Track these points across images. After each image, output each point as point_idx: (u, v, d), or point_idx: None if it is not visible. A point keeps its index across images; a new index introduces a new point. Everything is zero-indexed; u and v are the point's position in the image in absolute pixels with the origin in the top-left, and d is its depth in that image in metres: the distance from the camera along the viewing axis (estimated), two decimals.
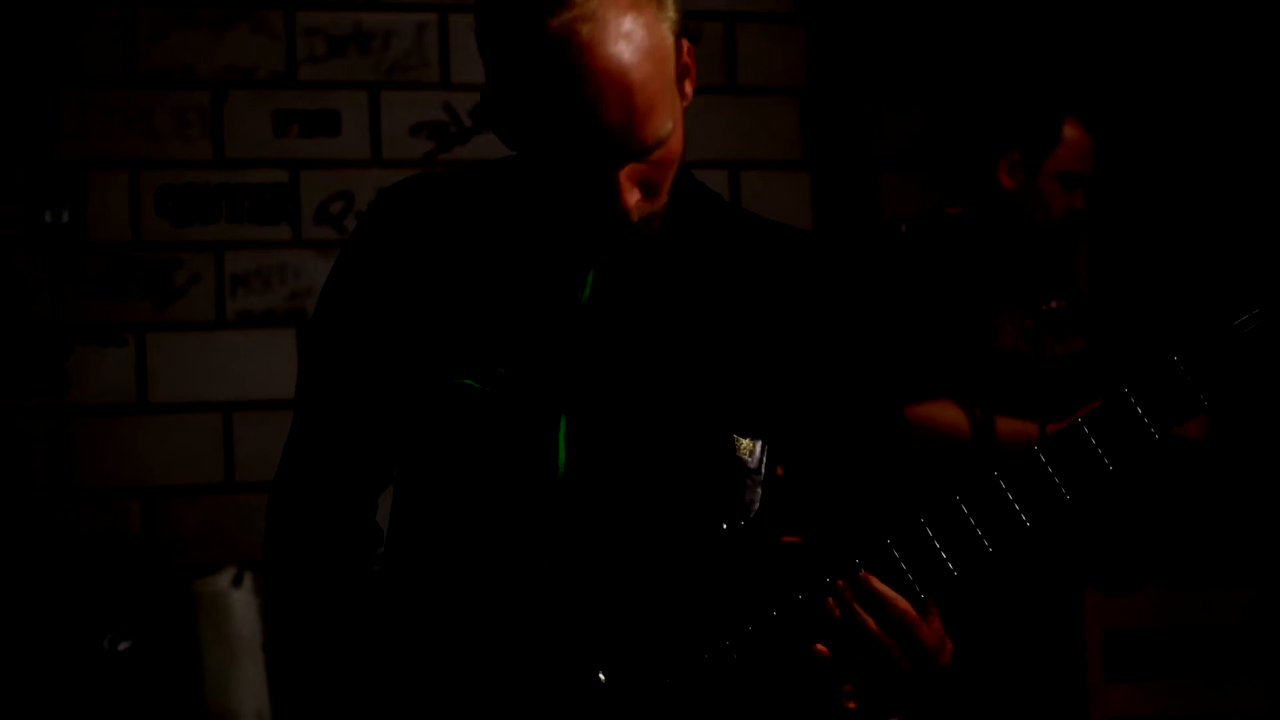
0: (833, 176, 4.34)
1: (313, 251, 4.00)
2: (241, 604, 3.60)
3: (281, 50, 4.02)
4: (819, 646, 1.67)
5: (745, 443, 1.74)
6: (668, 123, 1.62)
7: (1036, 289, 3.37)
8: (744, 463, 1.74)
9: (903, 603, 1.67)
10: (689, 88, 1.69)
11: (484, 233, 1.77)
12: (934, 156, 4.39)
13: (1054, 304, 3.38)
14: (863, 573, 1.67)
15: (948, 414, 3.19)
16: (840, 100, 4.35)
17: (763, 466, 1.75)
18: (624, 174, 1.63)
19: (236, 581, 3.63)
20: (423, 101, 4.10)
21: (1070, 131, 3.32)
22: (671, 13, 1.63)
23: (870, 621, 1.67)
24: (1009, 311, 3.29)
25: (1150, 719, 2.84)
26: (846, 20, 4.36)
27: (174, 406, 3.92)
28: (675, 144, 1.66)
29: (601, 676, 1.70)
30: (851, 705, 3.10)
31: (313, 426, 1.83)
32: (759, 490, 1.76)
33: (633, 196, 1.64)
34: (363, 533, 1.83)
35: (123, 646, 3.56)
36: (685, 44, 1.67)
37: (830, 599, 1.67)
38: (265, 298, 3.97)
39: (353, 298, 1.79)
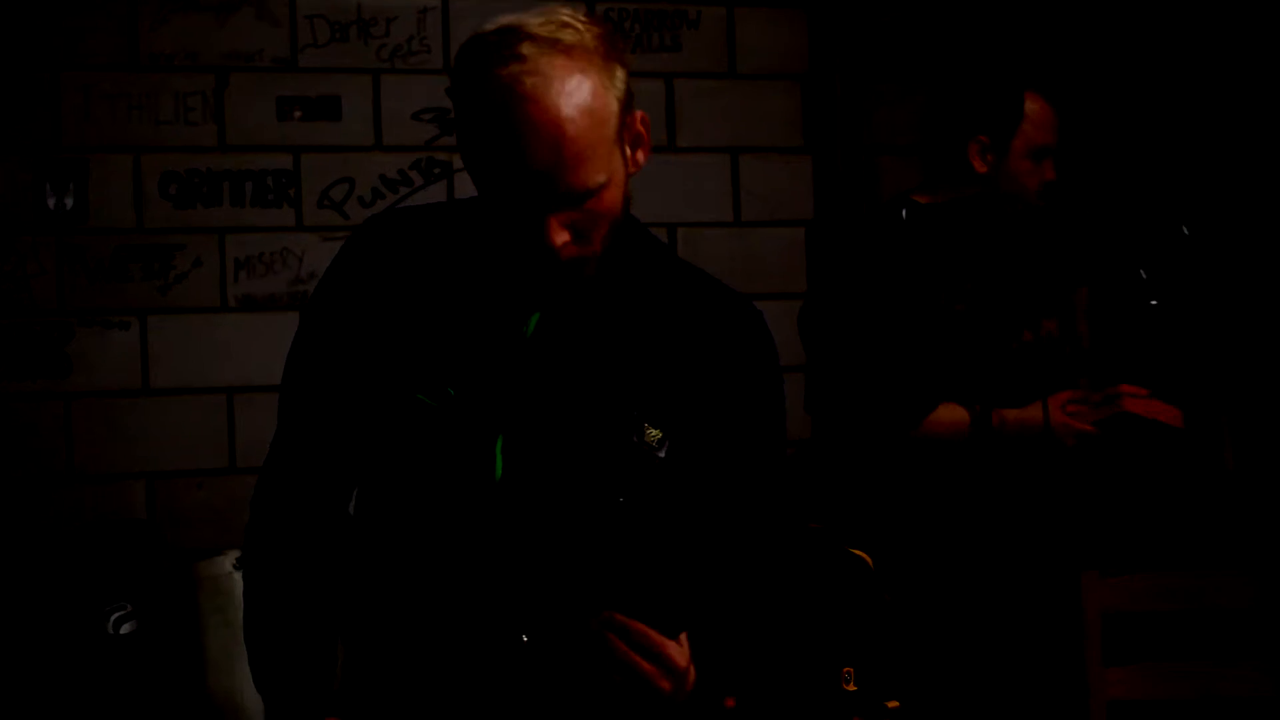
0: (834, 161, 4.34)
1: (315, 236, 4.01)
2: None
3: (284, 35, 4.03)
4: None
5: (652, 431, 1.94)
6: (600, 176, 1.80)
7: (1012, 271, 3.36)
8: (648, 446, 1.94)
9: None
10: (641, 156, 1.88)
11: (449, 268, 1.97)
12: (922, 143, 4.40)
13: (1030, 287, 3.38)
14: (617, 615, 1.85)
15: (953, 415, 3.21)
16: (841, 85, 4.35)
17: (662, 453, 1.95)
18: (555, 217, 1.81)
19: (239, 564, 3.64)
20: (425, 87, 4.10)
21: (1032, 106, 3.31)
22: (620, 84, 1.83)
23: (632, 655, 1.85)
24: (989, 296, 3.29)
25: (1149, 702, 2.84)
26: (848, 5, 4.36)
27: (176, 390, 3.93)
28: (610, 198, 1.84)
29: (524, 638, 1.91)
30: (851, 688, 3.11)
31: (292, 433, 2.03)
32: (657, 473, 1.95)
33: (560, 237, 1.82)
34: (335, 526, 2.03)
35: (125, 629, 3.57)
36: (639, 115, 1.87)
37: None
38: (267, 282, 3.98)
39: (332, 320, 2.00)
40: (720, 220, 4.27)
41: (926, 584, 3.27)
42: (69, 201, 3.88)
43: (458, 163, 4.11)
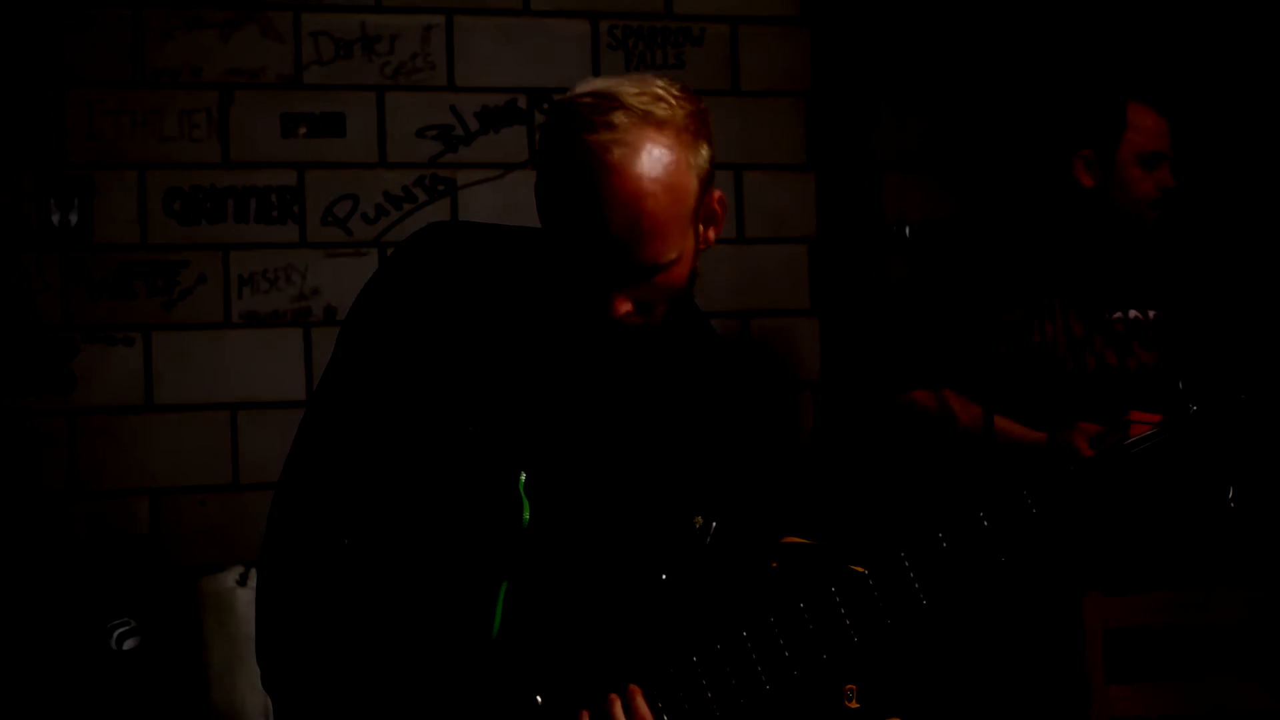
0: (837, 178, 4.35)
1: (319, 252, 4.01)
2: (246, 602, 3.61)
3: (288, 52, 4.03)
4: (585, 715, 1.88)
5: (699, 520, 1.95)
6: (673, 253, 1.81)
7: (1109, 296, 3.32)
8: (695, 534, 1.95)
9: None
10: (712, 234, 1.90)
11: (496, 302, 1.95)
12: (939, 158, 4.40)
13: (1133, 314, 3.34)
14: (632, 685, 1.88)
15: (933, 400, 3.21)
16: (845, 102, 4.36)
17: (709, 541, 1.96)
18: (621, 290, 1.82)
19: (242, 580, 3.64)
20: (429, 104, 4.11)
21: (1136, 114, 3.30)
22: (703, 162, 1.84)
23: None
24: (1059, 314, 3.27)
25: (1152, 719, 2.84)
26: (851, 22, 4.37)
27: (180, 406, 3.93)
28: (678, 274, 1.85)
29: (539, 699, 1.89)
30: (854, 705, 3.10)
31: (318, 455, 1.98)
32: (703, 560, 1.96)
33: (624, 308, 1.83)
34: (353, 552, 1.98)
35: (129, 645, 3.57)
36: (717, 194, 1.88)
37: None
38: (271, 298, 3.99)
39: (378, 344, 1.95)
40: (724, 237, 4.26)
41: (930, 600, 3.27)
42: (73, 218, 3.89)
43: (462, 179, 4.12)
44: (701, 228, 1.88)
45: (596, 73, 4.19)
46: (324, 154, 4.04)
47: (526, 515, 1.89)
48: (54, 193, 3.88)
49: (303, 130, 4.03)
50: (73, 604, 3.60)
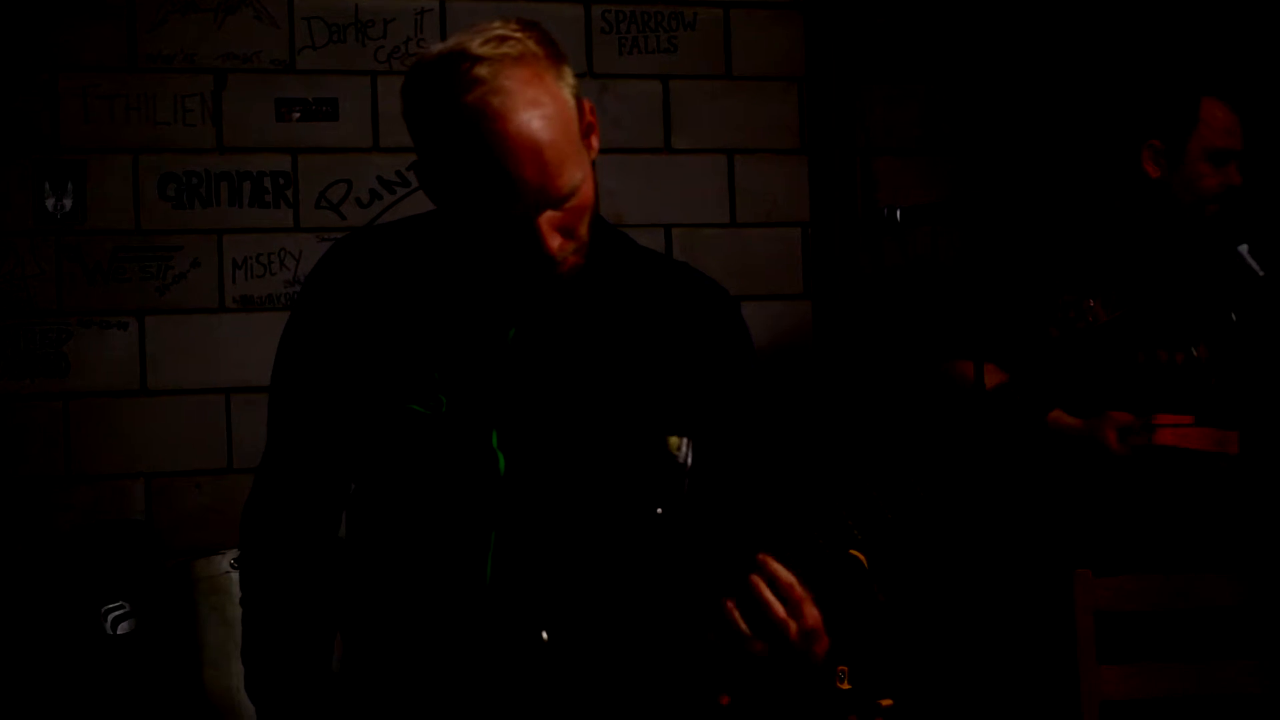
0: (830, 162, 4.35)
1: (312, 237, 4.02)
2: None
3: (282, 37, 4.04)
4: (729, 603, 1.84)
5: (674, 440, 1.97)
6: (577, 174, 1.84)
7: (1163, 285, 3.32)
8: (674, 457, 1.97)
9: (793, 579, 1.87)
10: (595, 141, 1.92)
11: (424, 280, 2.00)
12: (932, 143, 4.40)
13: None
14: (762, 555, 1.86)
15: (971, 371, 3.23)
16: (838, 87, 4.36)
17: (689, 460, 1.97)
18: (544, 221, 1.84)
19: (236, 563, 3.65)
20: None
21: (1209, 110, 3.29)
22: (570, 79, 1.87)
23: (773, 601, 1.85)
24: (1111, 302, 3.28)
25: (1141, 701, 2.85)
26: (845, 6, 4.37)
27: (174, 390, 3.94)
28: (587, 192, 1.88)
29: (544, 635, 1.93)
30: (845, 686, 3.13)
31: (281, 448, 2.06)
32: (686, 480, 1.98)
33: (555, 240, 1.85)
34: (328, 536, 2.07)
35: (123, 629, 3.58)
36: (587, 104, 1.90)
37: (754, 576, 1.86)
38: (265, 282, 3.99)
39: (311, 344, 2.02)
40: (716, 221, 4.28)
41: (921, 583, 3.28)
42: (67, 202, 3.89)
43: None
44: (591, 140, 1.91)
45: (590, 58, 4.20)
46: (317, 138, 4.05)
47: (502, 467, 1.92)
48: (48, 177, 3.89)
49: (296, 115, 4.04)
50: (67, 588, 3.61)
